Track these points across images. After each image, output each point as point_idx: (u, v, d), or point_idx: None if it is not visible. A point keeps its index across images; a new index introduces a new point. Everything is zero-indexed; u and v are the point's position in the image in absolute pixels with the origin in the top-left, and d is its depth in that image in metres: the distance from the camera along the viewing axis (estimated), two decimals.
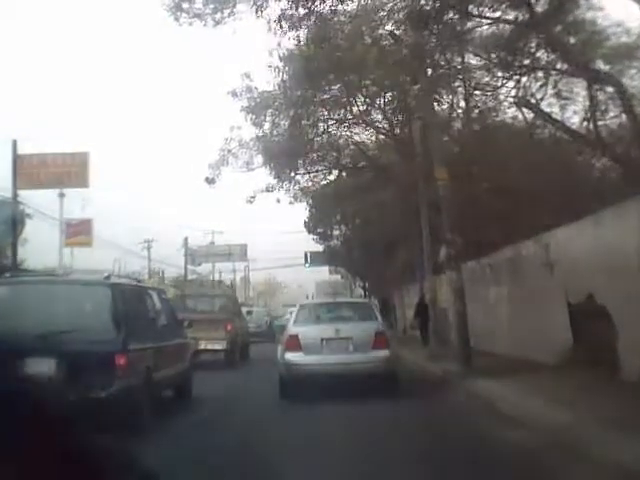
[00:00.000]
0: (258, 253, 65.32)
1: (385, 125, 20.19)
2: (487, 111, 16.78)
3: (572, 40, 12.07)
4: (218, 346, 16.83)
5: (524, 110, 15.19)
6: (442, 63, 13.60)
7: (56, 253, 29.68)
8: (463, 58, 14.71)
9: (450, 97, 17.31)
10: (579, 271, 10.49)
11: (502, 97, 15.56)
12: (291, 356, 10.16)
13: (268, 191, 21.82)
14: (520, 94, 13.68)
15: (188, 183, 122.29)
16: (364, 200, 22.95)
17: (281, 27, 11.14)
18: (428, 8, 10.98)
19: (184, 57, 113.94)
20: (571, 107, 14.79)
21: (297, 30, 11.66)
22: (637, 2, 9.06)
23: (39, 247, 31.03)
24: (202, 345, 15.96)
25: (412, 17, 11.48)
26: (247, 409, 9.53)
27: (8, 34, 79.35)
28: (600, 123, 12.67)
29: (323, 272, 49.90)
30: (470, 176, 15.85)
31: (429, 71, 13.75)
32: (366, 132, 21.28)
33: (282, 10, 10.69)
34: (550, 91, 14.04)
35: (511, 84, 14.00)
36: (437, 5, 10.28)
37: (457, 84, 16.14)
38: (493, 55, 13.07)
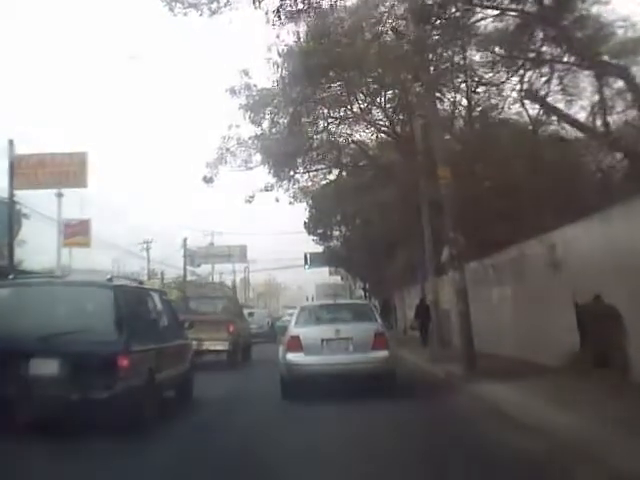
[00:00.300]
0: (258, 254, 65.18)
1: (386, 123, 19.92)
2: (490, 108, 16.55)
3: (579, 35, 11.82)
4: (220, 347, 17.13)
5: (528, 107, 14.96)
6: (445, 57, 13.34)
7: (54, 253, 29.58)
8: (465, 53, 14.45)
9: (452, 94, 17.07)
10: (586, 271, 10.24)
11: (506, 93, 15.35)
12: (292, 357, 10.31)
13: (267, 190, 21.59)
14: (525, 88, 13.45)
15: (188, 183, 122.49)
16: (365, 200, 22.71)
17: (279, 18, 10.91)
18: (430, 2, 10.74)
19: (183, 56, 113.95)
20: (577, 103, 14.55)
21: (296, 22, 11.48)
22: None
23: (37, 247, 30.94)
24: (205, 346, 16.21)
25: (414, 11, 11.25)
26: (248, 409, 9.62)
27: (8, 34, 79.33)
28: (607, 118, 12.44)
29: (323, 273, 49.89)
30: (473, 174, 15.66)
31: (431, 68, 13.48)
32: (367, 130, 21.02)
33: (281, 1, 10.47)
34: (555, 87, 13.85)
35: (515, 79, 13.78)
36: None
37: (460, 80, 15.90)
38: (497, 50, 12.83)
